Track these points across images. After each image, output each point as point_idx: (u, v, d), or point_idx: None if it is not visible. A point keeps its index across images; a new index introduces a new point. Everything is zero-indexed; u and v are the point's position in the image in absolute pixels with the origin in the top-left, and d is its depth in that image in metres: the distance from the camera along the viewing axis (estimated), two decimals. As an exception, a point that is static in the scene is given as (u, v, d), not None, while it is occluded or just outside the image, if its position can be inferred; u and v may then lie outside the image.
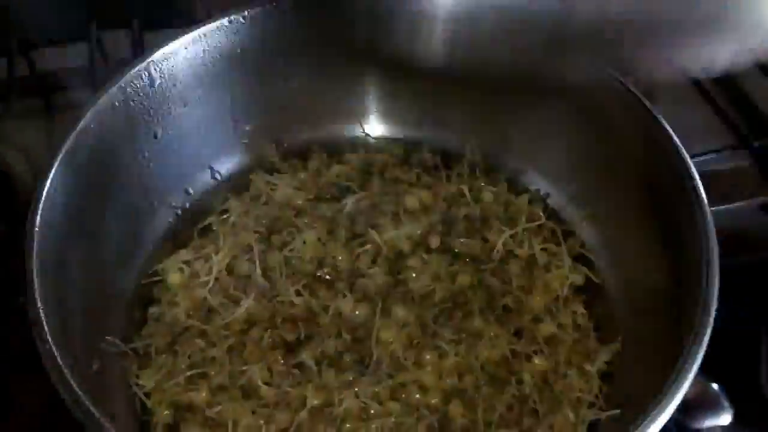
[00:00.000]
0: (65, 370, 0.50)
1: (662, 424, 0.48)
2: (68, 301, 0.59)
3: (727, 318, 0.71)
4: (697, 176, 0.60)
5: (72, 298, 0.60)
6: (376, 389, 0.63)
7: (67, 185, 0.60)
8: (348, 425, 0.62)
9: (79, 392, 0.50)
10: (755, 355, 0.77)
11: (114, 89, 0.64)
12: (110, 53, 0.97)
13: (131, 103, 0.66)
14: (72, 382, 0.50)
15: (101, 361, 0.62)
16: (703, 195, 0.59)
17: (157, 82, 0.68)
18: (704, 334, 0.51)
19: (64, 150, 0.59)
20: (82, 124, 0.61)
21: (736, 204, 0.64)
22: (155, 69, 0.67)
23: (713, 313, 0.52)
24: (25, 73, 0.94)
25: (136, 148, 0.68)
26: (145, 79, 0.66)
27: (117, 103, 0.64)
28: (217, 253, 0.71)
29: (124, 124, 0.66)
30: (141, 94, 0.67)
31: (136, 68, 0.65)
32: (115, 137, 0.65)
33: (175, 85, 0.69)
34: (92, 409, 0.49)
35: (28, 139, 0.85)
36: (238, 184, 0.78)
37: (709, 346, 0.51)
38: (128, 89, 0.65)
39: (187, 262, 0.71)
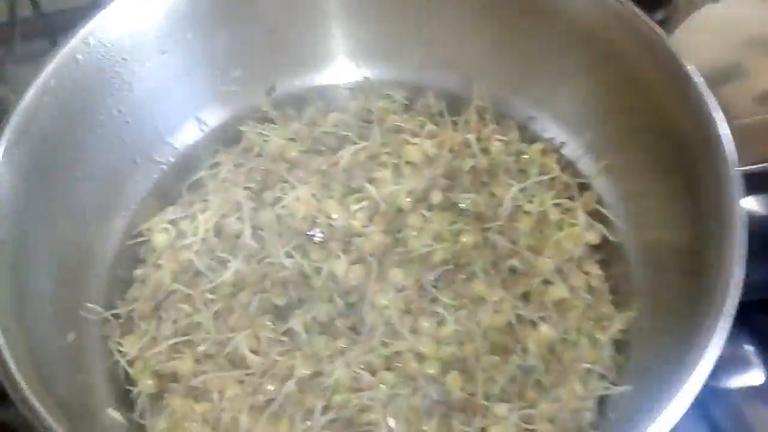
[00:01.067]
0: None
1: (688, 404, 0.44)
2: (34, 271, 0.56)
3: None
4: (723, 123, 0.54)
5: (41, 267, 0.57)
6: (370, 358, 0.60)
7: (27, 145, 0.56)
8: (338, 397, 0.58)
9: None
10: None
11: (75, 41, 0.60)
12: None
13: (98, 54, 0.61)
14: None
15: (79, 330, 0.60)
16: (727, 139, 0.53)
17: (127, 29, 0.63)
18: (729, 304, 0.46)
19: (20, 109, 0.56)
20: (40, 80, 0.57)
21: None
22: (121, 16, 0.62)
23: (740, 277, 0.47)
24: (29, 14, 0.89)
25: (110, 102, 0.64)
26: (111, 28, 0.62)
27: (80, 56, 0.60)
28: (204, 211, 0.67)
29: (93, 78, 0.62)
30: (108, 44, 0.62)
31: (98, 16, 0.61)
32: (83, 92, 0.61)
33: (147, 33, 0.65)
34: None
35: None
36: (227, 135, 0.73)
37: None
38: (91, 40, 0.61)
39: (173, 222, 0.68)
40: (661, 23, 0.91)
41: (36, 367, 0.50)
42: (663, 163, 0.60)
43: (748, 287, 0.48)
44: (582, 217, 0.65)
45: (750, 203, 0.52)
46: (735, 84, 0.74)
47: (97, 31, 0.61)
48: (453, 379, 0.59)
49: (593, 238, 0.65)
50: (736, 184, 0.51)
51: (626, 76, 0.63)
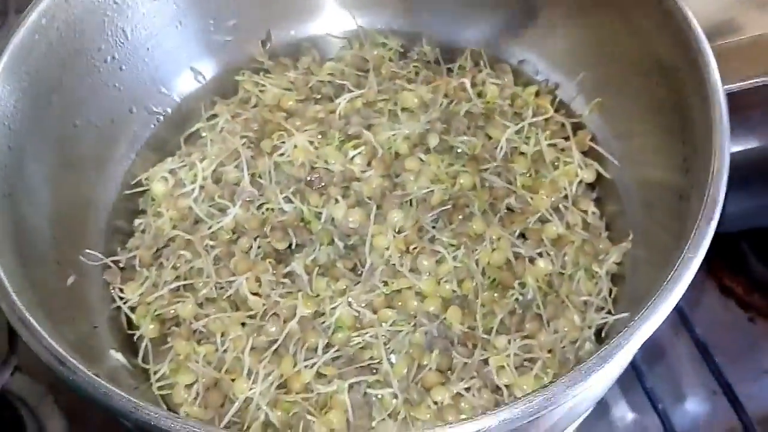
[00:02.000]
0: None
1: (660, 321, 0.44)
2: (31, 215, 0.56)
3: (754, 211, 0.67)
4: (711, 56, 0.54)
5: (36, 212, 0.57)
6: (370, 297, 0.60)
7: (19, 89, 0.56)
8: (340, 335, 0.59)
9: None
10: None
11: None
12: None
13: (88, -4, 0.61)
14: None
15: (79, 275, 0.60)
16: (717, 75, 0.53)
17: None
18: (708, 228, 0.46)
19: (9, 49, 0.55)
20: (30, 18, 0.57)
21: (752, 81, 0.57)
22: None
23: (719, 204, 0.47)
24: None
25: (104, 48, 0.64)
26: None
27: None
28: (203, 160, 0.68)
29: (84, 20, 0.61)
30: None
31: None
32: (76, 34, 0.61)
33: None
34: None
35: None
36: (224, 86, 0.73)
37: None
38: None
39: (172, 171, 0.68)
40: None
41: (39, 305, 0.50)
42: (654, 103, 0.60)
43: (726, 219, 0.49)
44: (577, 156, 0.66)
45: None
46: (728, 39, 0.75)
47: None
48: (453, 313, 0.59)
49: (588, 176, 0.66)
50: (724, 120, 0.51)
51: (618, 17, 0.63)
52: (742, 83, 0.56)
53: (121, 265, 0.64)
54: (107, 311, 0.61)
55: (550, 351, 0.58)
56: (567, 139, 0.67)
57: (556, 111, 0.69)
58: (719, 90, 0.52)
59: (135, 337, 0.61)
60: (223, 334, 0.59)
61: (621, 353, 0.42)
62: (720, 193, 0.47)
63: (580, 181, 0.66)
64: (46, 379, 0.69)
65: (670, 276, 0.44)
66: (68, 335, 0.52)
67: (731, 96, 0.54)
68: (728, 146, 0.49)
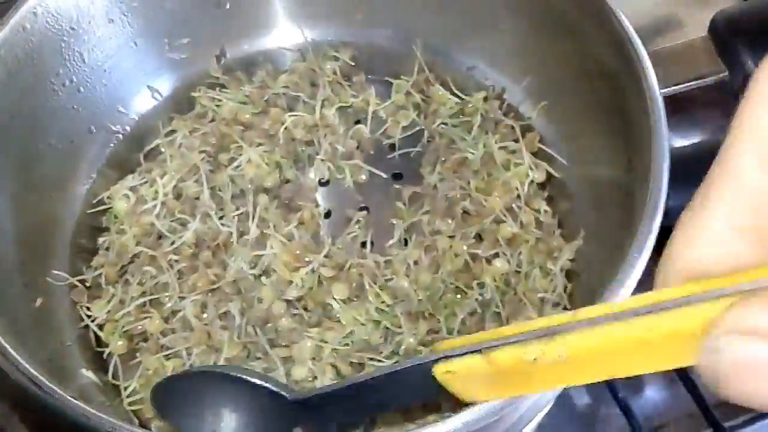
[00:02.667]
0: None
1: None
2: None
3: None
4: (648, 61, 0.56)
5: (5, 238, 0.58)
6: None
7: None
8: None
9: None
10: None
11: (22, 11, 0.60)
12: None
13: (46, 24, 0.62)
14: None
15: (46, 295, 0.61)
16: (654, 80, 0.55)
17: (73, -1, 0.64)
18: (653, 223, 0.49)
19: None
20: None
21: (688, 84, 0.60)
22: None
23: (661, 204, 0.49)
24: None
25: (62, 72, 0.64)
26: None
27: (28, 26, 0.61)
28: (163, 176, 0.69)
29: (42, 48, 0.62)
30: (55, 13, 0.62)
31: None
32: (34, 62, 0.62)
33: (94, 1, 0.65)
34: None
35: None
36: (181, 102, 0.74)
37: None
38: (38, 9, 0.61)
39: (133, 189, 0.69)
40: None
41: (9, 328, 0.51)
42: (598, 106, 0.62)
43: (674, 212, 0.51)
44: (527, 157, 0.68)
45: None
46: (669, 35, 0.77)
47: (44, 1, 0.61)
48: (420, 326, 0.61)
49: (539, 176, 0.68)
50: (662, 121, 0.53)
51: (557, 22, 0.65)
52: (678, 87, 0.59)
53: (87, 283, 0.64)
54: (76, 330, 0.62)
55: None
56: (517, 141, 0.70)
57: (505, 115, 0.71)
58: (656, 94, 0.54)
59: (105, 354, 0.62)
60: (188, 348, 0.61)
61: None
62: (662, 192, 0.49)
63: (532, 182, 0.68)
64: (12, 398, 0.69)
65: (615, 276, 0.47)
66: (40, 356, 0.53)
67: (674, 96, 0.57)
68: (668, 147, 0.51)
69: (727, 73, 0.63)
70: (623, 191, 0.56)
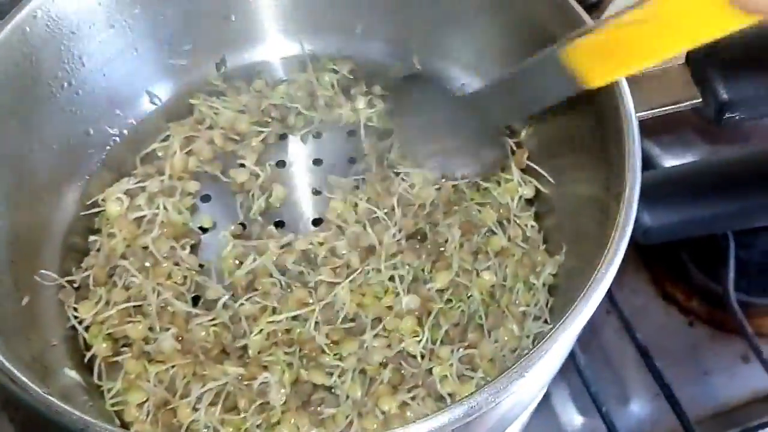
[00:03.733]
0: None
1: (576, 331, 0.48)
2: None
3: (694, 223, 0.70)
4: (624, 83, 0.57)
5: None
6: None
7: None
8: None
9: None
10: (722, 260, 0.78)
11: (22, 15, 0.61)
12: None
13: (46, 27, 0.63)
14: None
15: (34, 294, 0.61)
16: (629, 101, 0.56)
17: (74, 3, 0.64)
18: (621, 245, 0.50)
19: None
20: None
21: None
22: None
23: (630, 223, 0.50)
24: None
25: (61, 75, 0.65)
26: (58, 1, 0.63)
27: (28, 29, 0.61)
28: (161, 177, 0.70)
29: (42, 51, 0.63)
30: (56, 17, 0.63)
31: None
32: (34, 65, 0.63)
33: (95, 7, 0.66)
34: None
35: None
36: (179, 108, 0.75)
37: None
38: (39, 13, 0.62)
39: (127, 192, 0.69)
40: (593, 7, 0.96)
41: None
42: (580, 128, 0.63)
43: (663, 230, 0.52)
44: (516, 173, 0.69)
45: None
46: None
47: (44, 5, 0.62)
48: (407, 324, 0.62)
49: (528, 192, 0.69)
50: (636, 143, 0.54)
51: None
52: (654, 110, 0.60)
53: (76, 284, 0.65)
54: (63, 330, 0.62)
55: (491, 360, 0.60)
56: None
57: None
58: (632, 117, 0.55)
59: (88, 356, 0.62)
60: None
61: (542, 361, 0.45)
62: (631, 213, 0.51)
63: (520, 197, 0.69)
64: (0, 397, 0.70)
65: (585, 289, 0.48)
66: (24, 354, 0.54)
67: (657, 119, 0.58)
68: (640, 168, 0.52)
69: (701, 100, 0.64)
70: (601, 209, 0.56)
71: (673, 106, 0.62)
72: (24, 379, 0.47)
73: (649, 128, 0.60)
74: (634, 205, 0.51)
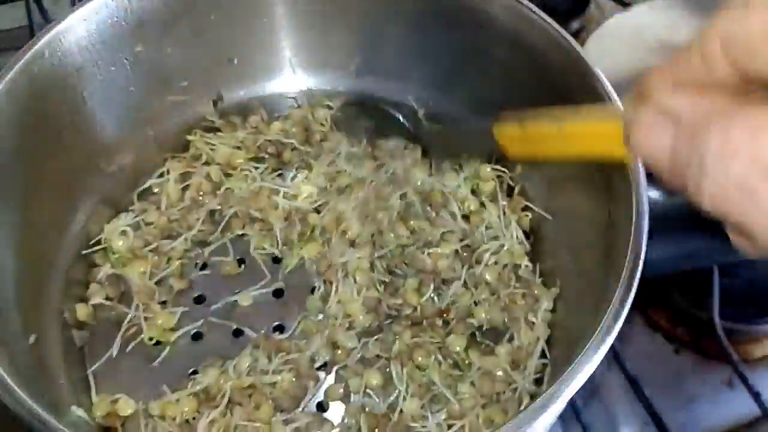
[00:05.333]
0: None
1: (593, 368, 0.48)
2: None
3: (678, 257, 0.72)
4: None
5: (4, 274, 0.59)
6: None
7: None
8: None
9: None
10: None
11: (32, 52, 0.62)
12: (50, 11, 0.95)
13: (52, 66, 0.63)
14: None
15: (38, 332, 0.61)
16: None
17: (78, 43, 0.65)
18: (632, 285, 0.50)
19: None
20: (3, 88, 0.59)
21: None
22: (73, 31, 0.64)
23: (642, 255, 0.51)
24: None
25: (64, 110, 0.66)
26: (64, 42, 0.64)
27: (35, 69, 0.62)
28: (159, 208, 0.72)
29: (48, 90, 0.64)
30: (62, 56, 0.64)
31: (53, 31, 0.63)
32: (38, 104, 0.63)
33: (98, 46, 0.67)
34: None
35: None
36: (176, 144, 0.76)
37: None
38: (46, 52, 0.63)
39: (131, 226, 0.71)
40: (577, 33, 0.98)
41: (9, 367, 0.51)
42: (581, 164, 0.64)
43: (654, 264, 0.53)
44: (515, 232, 0.71)
45: (652, 192, 0.57)
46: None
47: (53, 43, 0.63)
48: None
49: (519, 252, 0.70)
50: (642, 178, 0.55)
51: (543, 78, 0.67)
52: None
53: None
54: (69, 368, 0.63)
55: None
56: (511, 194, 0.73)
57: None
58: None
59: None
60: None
61: (547, 412, 0.46)
62: (639, 263, 0.51)
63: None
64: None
65: (587, 345, 0.48)
66: (35, 392, 0.54)
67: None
68: (647, 201, 0.54)
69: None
70: (602, 249, 0.58)
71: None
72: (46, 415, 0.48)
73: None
74: (644, 239, 0.52)
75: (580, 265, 0.63)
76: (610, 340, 0.48)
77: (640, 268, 0.50)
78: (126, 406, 0.61)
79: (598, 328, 0.48)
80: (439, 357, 0.63)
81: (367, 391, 0.62)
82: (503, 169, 0.73)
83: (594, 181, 0.61)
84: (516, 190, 0.73)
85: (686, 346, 0.84)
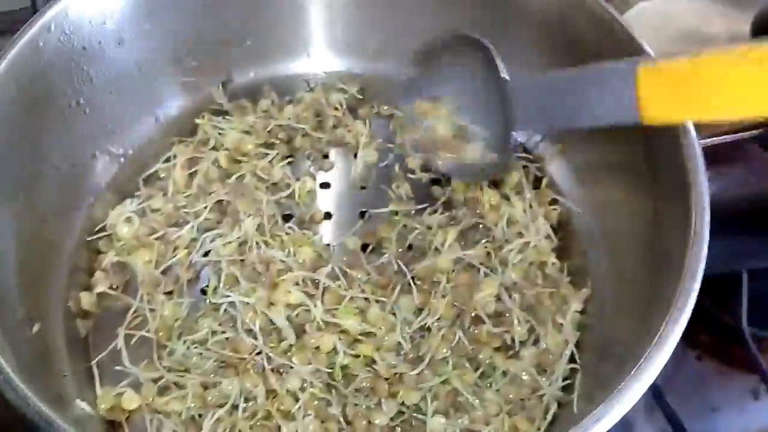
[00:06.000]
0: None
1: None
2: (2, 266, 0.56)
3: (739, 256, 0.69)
4: None
5: (7, 262, 0.57)
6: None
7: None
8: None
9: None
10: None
11: (36, 27, 0.59)
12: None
13: (59, 41, 0.61)
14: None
15: (42, 321, 0.58)
16: (691, 127, 0.53)
17: (85, 18, 0.62)
18: (692, 289, 0.48)
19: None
20: (2, 64, 0.56)
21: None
22: (80, 5, 0.62)
23: (703, 261, 0.47)
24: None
25: (70, 92, 0.63)
26: (70, 16, 0.61)
27: (41, 43, 0.59)
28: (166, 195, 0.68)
29: (53, 67, 0.61)
30: (68, 32, 0.61)
31: (58, 5, 0.60)
32: (43, 82, 0.60)
33: (105, 22, 0.64)
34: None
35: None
36: (183, 127, 0.73)
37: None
38: (52, 26, 0.60)
39: (136, 212, 0.67)
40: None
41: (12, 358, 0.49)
42: (622, 155, 0.61)
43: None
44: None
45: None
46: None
47: (58, 17, 0.60)
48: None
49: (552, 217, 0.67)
50: (700, 165, 0.51)
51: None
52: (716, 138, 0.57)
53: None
54: (74, 361, 0.60)
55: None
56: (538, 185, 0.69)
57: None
58: (695, 144, 0.52)
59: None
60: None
61: None
62: (701, 261, 0.47)
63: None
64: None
65: (645, 354, 0.45)
66: (39, 385, 0.51)
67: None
68: (708, 203, 0.49)
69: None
70: (645, 247, 0.55)
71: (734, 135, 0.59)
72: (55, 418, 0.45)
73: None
74: (704, 246, 0.47)
75: (617, 264, 0.60)
76: (669, 349, 0.45)
77: (701, 270, 0.46)
78: (131, 400, 0.58)
79: (657, 336, 0.45)
80: (466, 364, 0.59)
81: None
82: (530, 156, 0.70)
83: (636, 169, 0.57)
84: (543, 183, 0.69)
85: (708, 352, 0.82)
